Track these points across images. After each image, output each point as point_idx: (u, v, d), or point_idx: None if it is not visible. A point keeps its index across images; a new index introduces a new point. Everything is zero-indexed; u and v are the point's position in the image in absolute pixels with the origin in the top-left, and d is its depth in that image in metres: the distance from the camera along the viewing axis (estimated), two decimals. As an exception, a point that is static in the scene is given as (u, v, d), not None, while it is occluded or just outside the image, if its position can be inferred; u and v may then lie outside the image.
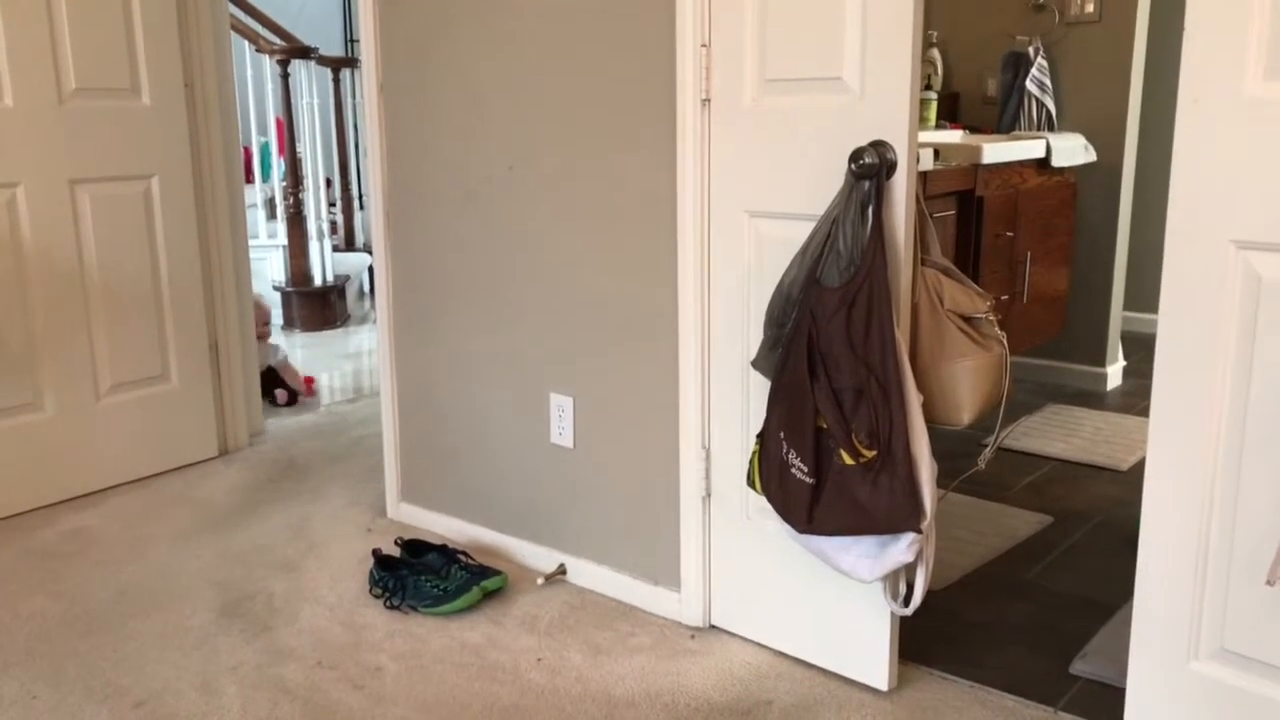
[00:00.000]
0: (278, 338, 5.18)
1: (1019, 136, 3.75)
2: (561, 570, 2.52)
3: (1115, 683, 2.00)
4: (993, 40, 4.05)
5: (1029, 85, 3.90)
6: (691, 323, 2.17)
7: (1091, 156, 3.84)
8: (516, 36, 2.39)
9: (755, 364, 1.99)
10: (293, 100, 5.32)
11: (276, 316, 5.44)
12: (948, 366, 1.93)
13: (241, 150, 3.53)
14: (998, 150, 3.39)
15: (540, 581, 2.50)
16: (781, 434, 1.87)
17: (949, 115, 4.14)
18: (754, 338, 2.06)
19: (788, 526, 1.90)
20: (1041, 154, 3.62)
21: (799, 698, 2.03)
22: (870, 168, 1.78)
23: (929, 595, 2.08)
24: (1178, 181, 1.59)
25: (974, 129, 4.04)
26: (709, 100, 2.08)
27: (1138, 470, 3.18)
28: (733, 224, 2.09)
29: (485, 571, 2.42)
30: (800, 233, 1.91)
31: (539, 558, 2.57)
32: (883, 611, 2.00)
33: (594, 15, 2.24)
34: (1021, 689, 2.03)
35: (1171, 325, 1.62)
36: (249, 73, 5.35)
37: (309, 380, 4.12)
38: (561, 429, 2.47)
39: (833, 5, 1.86)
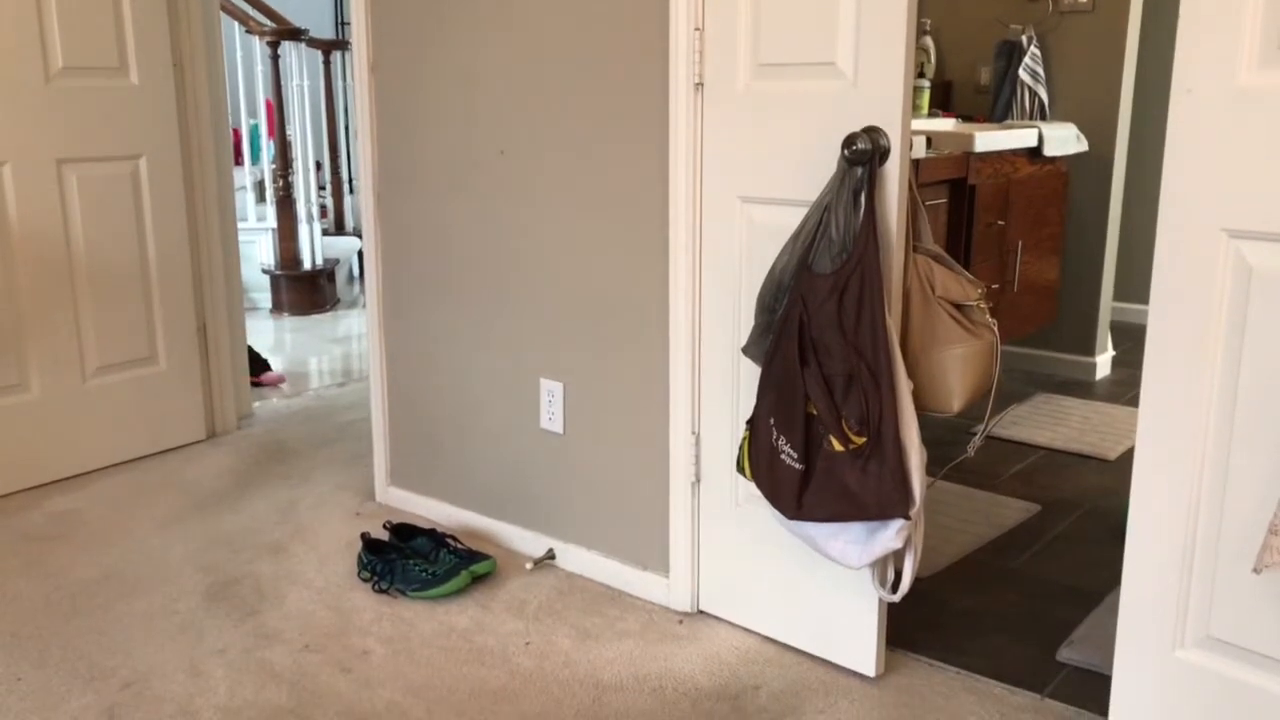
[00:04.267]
0: (266, 321, 5.17)
1: (1011, 125, 3.75)
2: (550, 555, 2.52)
3: (1101, 670, 2.01)
4: (986, 29, 4.05)
5: (1022, 74, 3.90)
6: (682, 308, 2.17)
7: (1083, 146, 3.84)
8: (509, 18, 2.38)
9: (746, 350, 1.99)
10: (282, 82, 5.29)
11: (264, 300, 5.42)
12: (938, 354, 1.93)
13: (230, 132, 3.51)
14: (990, 139, 3.39)
15: (529, 566, 2.49)
16: (772, 420, 1.87)
17: (942, 103, 4.14)
18: (745, 324, 2.05)
19: (777, 512, 1.90)
20: (1034, 143, 3.62)
21: (786, 683, 2.03)
22: (863, 154, 1.77)
23: (916, 582, 2.08)
24: (1170, 170, 1.59)
25: (967, 117, 4.03)
26: (702, 85, 2.07)
27: (1125, 459, 3.19)
28: (725, 209, 2.08)
29: (474, 556, 2.42)
30: (793, 219, 1.91)
31: (528, 542, 2.57)
32: (871, 598, 2.00)
33: (587, -2, 2.23)
34: (1008, 676, 2.04)
35: (1162, 314, 1.62)
36: (238, 54, 5.31)
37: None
38: (551, 414, 2.47)
39: (827, -10, 1.85)
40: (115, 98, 3.05)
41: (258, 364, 3.99)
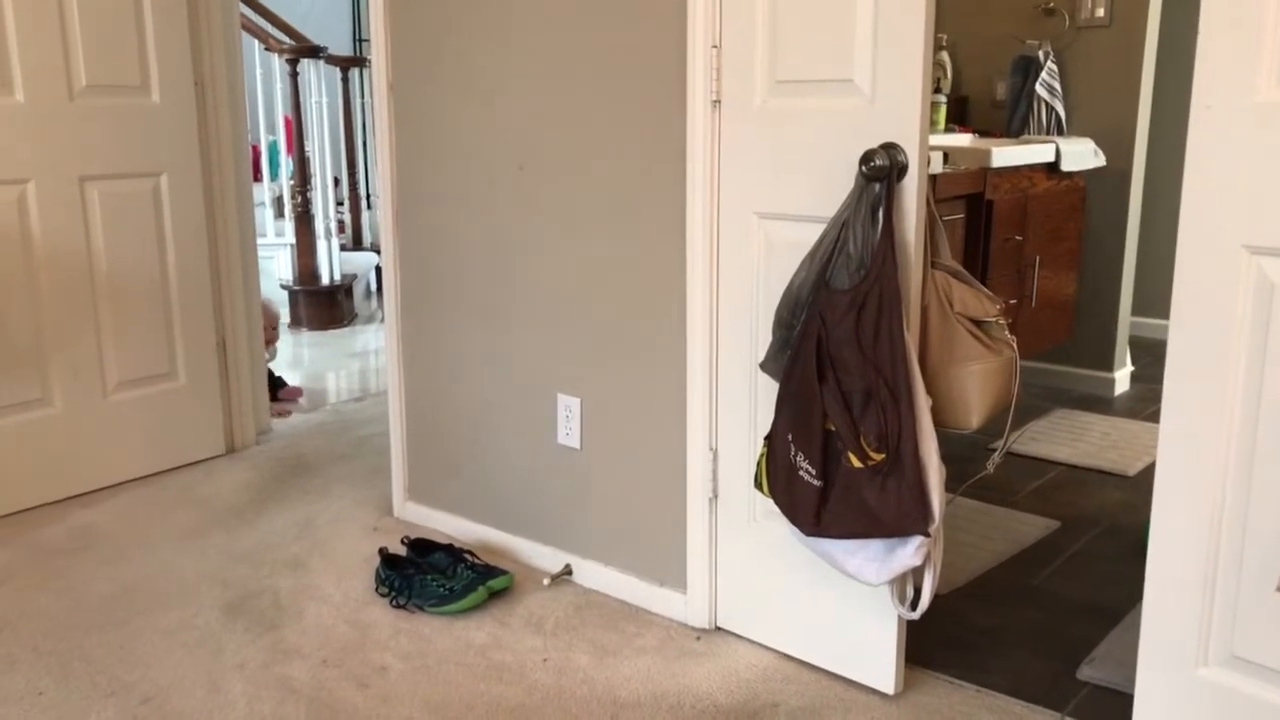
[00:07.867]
0: (284, 336, 5.19)
1: (1028, 140, 3.74)
2: (567, 571, 2.51)
3: (1123, 688, 1.99)
4: (1002, 44, 4.05)
5: (1038, 89, 3.89)
6: (700, 324, 2.17)
7: (1101, 161, 3.83)
8: (527, 35, 2.39)
9: (764, 366, 1.99)
10: (301, 99, 5.33)
11: (283, 316, 5.45)
12: (957, 370, 1.93)
13: (250, 148, 3.54)
14: (1007, 154, 3.39)
15: (546, 582, 2.49)
16: (789, 436, 1.87)
17: (958, 119, 4.14)
18: (762, 340, 2.05)
19: (795, 529, 1.90)
20: (1051, 158, 3.62)
21: (805, 700, 2.02)
22: (881, 170, 1.78)
23: (936, 599, 2.07)
24: (1190, 187, 1.58)
25: (983, 133, 4.03)
26: (719, 101, 2.08)
27: (1145, 475, 3.17)
28: (742, 226, 2.09)
29: (491, 571, 2.42)
30: (810, 235, 1.91)
31: (545, 558, 2.57)
32: (889, 615, 1.99)
33: (605, 15, 2.24)
34: (1028, 694, 2.03)
35: (1183, 331, 1.62)
36: (258, 71, 5.36)
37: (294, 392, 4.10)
38: (569, 430, 2.47)
39: (844, 7, 1.86)
40: (137, 116, 3.08)
41: (274, 383, 4.01)
